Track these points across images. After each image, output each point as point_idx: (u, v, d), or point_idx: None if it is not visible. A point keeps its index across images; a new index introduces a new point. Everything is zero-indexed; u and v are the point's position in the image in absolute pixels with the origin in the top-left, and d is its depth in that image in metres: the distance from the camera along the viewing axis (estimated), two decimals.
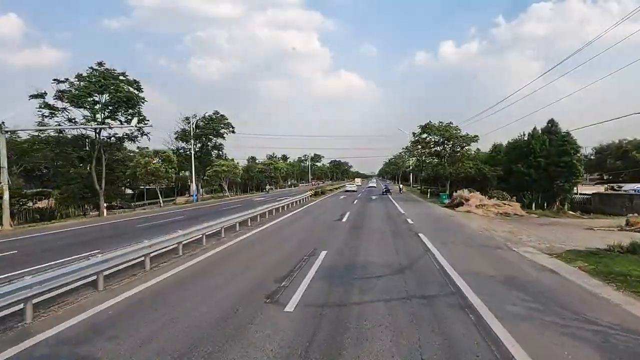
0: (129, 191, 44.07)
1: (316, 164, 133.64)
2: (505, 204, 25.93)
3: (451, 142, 31.49)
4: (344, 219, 19.15)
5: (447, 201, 29.37)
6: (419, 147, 34.60)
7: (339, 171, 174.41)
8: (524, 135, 33.37)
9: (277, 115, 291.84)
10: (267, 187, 58.56)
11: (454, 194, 28.67)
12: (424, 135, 32.48)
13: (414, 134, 32.84)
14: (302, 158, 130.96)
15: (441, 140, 31.45)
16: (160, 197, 35.49)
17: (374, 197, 38.99)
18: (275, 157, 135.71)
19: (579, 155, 27.91)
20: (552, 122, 31.53)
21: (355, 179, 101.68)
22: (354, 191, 53.60)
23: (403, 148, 34.02)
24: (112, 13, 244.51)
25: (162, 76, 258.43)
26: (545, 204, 30.59)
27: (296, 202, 31.27)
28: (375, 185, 75.38)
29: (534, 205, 29.74)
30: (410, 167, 52.97)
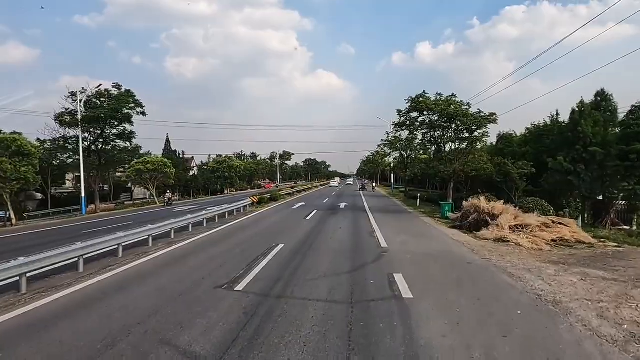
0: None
1: (286, 162, 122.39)
2: (553, 221, 15.74)
3: (454, 125, 21.20)
4: (249, 278, 8.31)
5: (452, 215, 18.96)
6: (405, 133, 24.09)
7: (313, 170, 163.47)
8: (556, 115, 23.53)
9: (257, 114, 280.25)
10: (167, 194, 39.91)
11: (464, 203, 18.20)
12: (414, 115, 22.08)
13: (399, 112, 22.40)
14: (273, 156, 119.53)
15: (440, 121, 21.11)
16: (10, 210, 23.58)
17: (342, 206, 28.29)
18: (244, 155, 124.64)
19: None
20: (601, 95, 21.73)
21: (335, 178, 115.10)
22: (335, 186, 76.71)
23: (382, 140, 24.75)
24: (84, 10, 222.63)
25: (137, 75, 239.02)
26: (586, 217, 20.84)
27: (220, 215, 20.40)
28: (352, 183, 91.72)
29: (580, 219, 19.91)
30: (391, 165, 42.69)
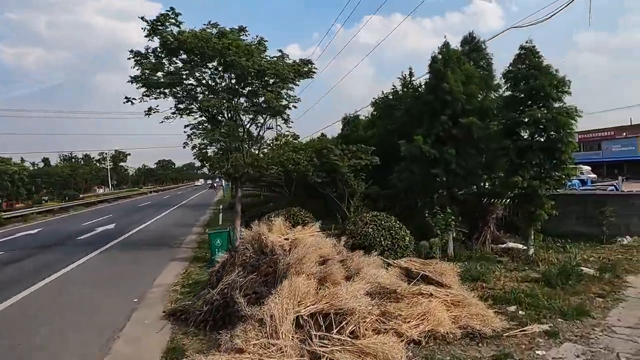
0: None
1: (120, 164, 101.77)
2: (410, 273, 6.97)
3: (234, 79, 11.22)
4: None
5: (220, 260, 8.78)
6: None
7: (152, 173, 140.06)
8: (409, 75, 15.63)
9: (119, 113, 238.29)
10: None
11: (245, 233, 8.35)
12: (167, 61, 11.26)
13: (134, 55, 11.28)
14: (104, 157, 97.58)
15: (208, 71, 10.92)
16: None
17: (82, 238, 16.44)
18: (75, 156, 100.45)
19: (567, 105, 10.94)
20: (470, 42, 14.53)
21: (200, 180, 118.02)
22: (199, 186, 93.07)
23: (189, 125, 15.05)
24: None
25: None
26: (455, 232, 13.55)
27: None
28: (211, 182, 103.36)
29: (451, 240, 12.23)
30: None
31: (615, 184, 20.90)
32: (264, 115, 11.95)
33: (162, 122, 11.88)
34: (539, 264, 10.09)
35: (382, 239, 8.68)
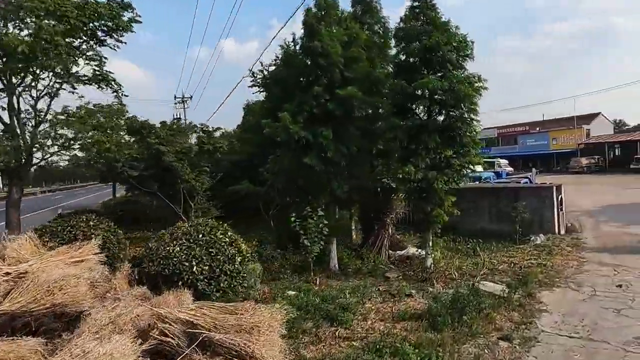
0: None
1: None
2: None
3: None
4: None
5: None
6: None
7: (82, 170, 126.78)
8: (293, 41, 12.64)
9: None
10: None
11: None
12: None
13: None
14: None
15: None
16: None
17: None
18: None
19: (472, 75, 8.54)
20: (364, 1, 11.85)
21: None
22: None
23: None
24: None
25: None
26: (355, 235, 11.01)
27: None
28: None
29: (335, 256, 9.34)
30: None
31: (529, 176, 20.03)
32: (47, 77, 8.18)
33: None
34: (435, 281, 7.66)
35: (194, 263, 5.51)
